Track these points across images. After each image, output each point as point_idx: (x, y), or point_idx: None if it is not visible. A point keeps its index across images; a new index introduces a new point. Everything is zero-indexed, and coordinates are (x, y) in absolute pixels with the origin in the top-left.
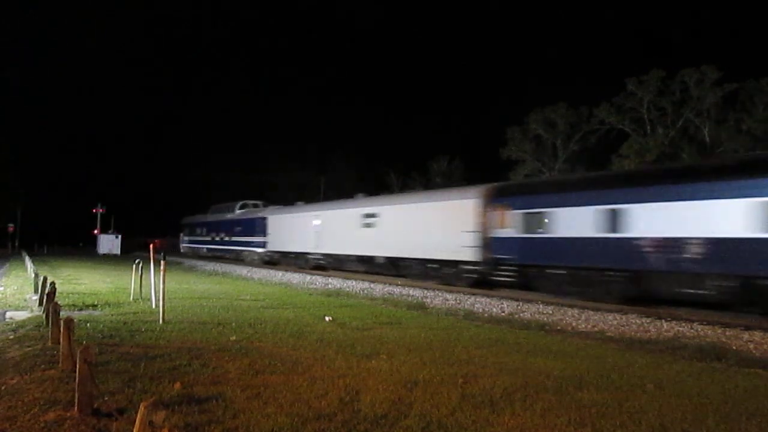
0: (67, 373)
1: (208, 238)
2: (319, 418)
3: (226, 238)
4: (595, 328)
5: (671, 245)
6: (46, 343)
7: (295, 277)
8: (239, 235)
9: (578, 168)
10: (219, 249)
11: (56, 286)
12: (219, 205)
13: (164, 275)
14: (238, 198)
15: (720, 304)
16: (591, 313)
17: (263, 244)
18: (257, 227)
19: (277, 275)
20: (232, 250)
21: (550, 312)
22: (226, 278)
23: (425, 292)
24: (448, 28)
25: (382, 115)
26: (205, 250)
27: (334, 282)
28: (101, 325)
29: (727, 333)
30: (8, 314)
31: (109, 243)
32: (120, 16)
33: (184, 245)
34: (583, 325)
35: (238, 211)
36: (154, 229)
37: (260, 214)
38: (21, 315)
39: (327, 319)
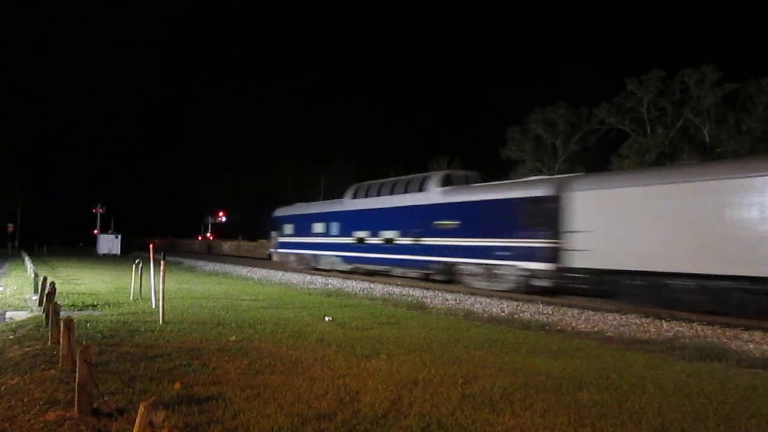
0: (67, 373)
1: (349, 240)
2: (319, 418)
3: (406, 242)
4: (595, 328)
5: None
6: (46, 343)
7: (295, 277)
8: (452, 235)
9: (578, 168)
10: (382, 259)
11: (56, 286)
12: (376, 183)
13: (164, 275)
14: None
15: None
16: (591, 313)
17: (546, 254)
18: (523, 218)
19: (277, 275)
20: (430, 263)
21: (550, 312)
22: (226, 278)
23: (425, 292)
24: (449, 27)
25: (381, 115)
26: (337, 259)
27: (334, 282)
28: (101, 325)
29: (727, 333)
30: (8, 314)
31: (108, 243)
32: (120, 16)
33: (282, 251)
34: (583, 325)
35: (436, 190)
36: (154, 229)
37: (535, 191)
38: (21, 315)
39: (327, 319)
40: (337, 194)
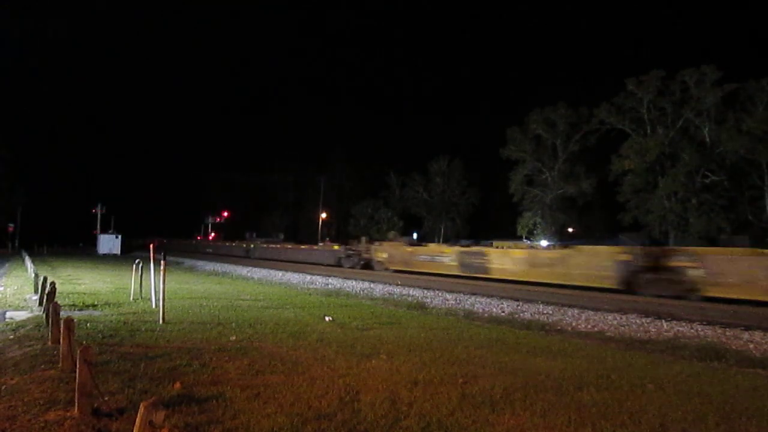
0: (67, 373)
1: None
2: (319, 418)
3: None
4: (595, 328)
5: None
6: (46, 343)
7: (295, 277)
8: None
9: (578, 168)
10: None
11: (56, 286)
12: None
13: (164, 275)
14: None
15: None
16: (591, 313)
17: None
18: None
19: (277, 275)
20: None
21: (550, 312)
22: (226, 278)
23: (425, 292)
24: (449, 28)
25: (381, 115)
26: None
27: (334, 282)
28: (101, 325)
29: (727, 333)
30: (8, 314)
31: (109, 243)
32: (118, 17)
33: None
34: (583, 325)
35: None
36: (154, 229)
37: None
38: (21, 315)
39: (327, 319)
40: (338, 194)
